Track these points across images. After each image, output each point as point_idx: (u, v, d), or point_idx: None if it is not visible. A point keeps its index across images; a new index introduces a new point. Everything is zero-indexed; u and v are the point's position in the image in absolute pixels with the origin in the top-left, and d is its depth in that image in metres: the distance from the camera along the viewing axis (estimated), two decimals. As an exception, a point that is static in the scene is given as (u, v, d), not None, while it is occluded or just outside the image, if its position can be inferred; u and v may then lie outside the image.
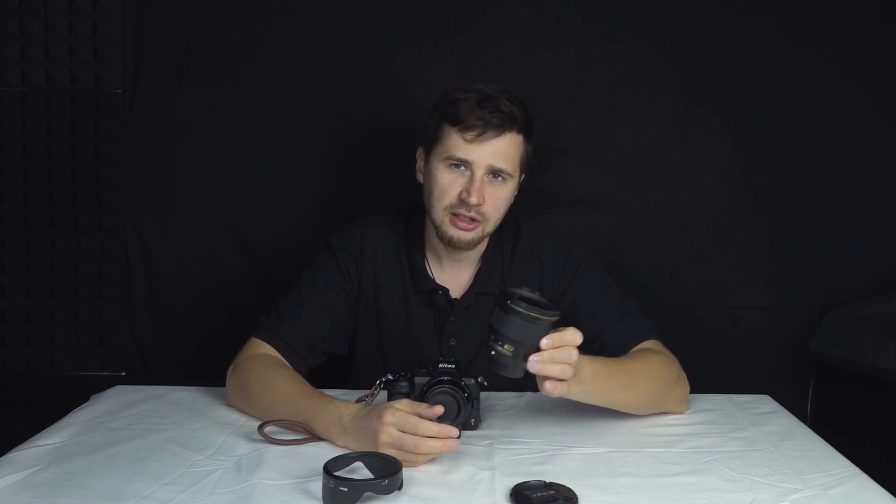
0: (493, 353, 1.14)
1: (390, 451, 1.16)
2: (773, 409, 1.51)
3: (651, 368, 1.42)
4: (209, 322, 2.07)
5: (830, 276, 2.07)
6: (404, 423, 1.17)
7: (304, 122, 2.03)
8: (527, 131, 1.48)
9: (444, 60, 2.01)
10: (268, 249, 2.06)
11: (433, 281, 1.55)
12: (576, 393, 1.26)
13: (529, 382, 1.58)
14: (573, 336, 1.16)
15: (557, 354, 1.15)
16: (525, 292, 1.14)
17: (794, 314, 2.07)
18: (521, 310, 1.11)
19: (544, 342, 1.13)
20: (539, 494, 1.08)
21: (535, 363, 1.14)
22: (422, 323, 1.57)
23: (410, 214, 1.59)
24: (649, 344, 1.50)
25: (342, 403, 1.28)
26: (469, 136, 1.42)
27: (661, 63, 2.03)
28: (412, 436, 1.16)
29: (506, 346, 1.13)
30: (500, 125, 1.42)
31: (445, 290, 1.55)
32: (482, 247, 1.55)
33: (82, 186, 2.05)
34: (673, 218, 2.06)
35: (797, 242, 2.07)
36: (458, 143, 1.43)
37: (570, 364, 1.17)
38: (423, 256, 1.56)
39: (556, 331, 1.15)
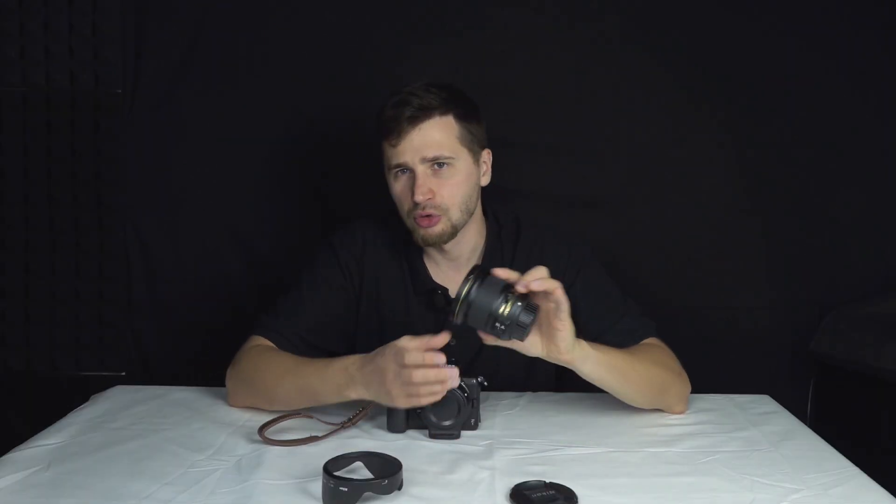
0: (499, 332, 1.21)
1: (399, 389, 1.23)
2: (774, 409, 1.52)
3: (653, 356, 1.44)
4: (209, 322, 2.06)
5: (831, 275, 2.07)
6: (407, 354, 1.24)
7: (306, 121, 2.03)
8: (457, 109, 1.46)
9: (439, 59, 2.00)
10: (268, 249, 2.06)
11: (432, 281, 1.56)
12: (579, 357, 1.30)
13: (529, 382, 1.58)
14: (537, 270, 1.22)
15: (534, 273, 1.22)
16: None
17: (795, 314, 2.07)
18: (469, 280, 1.20)
19: (502, 275, 1.21)
20: (539, 494, 1.08)
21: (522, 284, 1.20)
22: (423, 324, 1.56)
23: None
24: (650, 341, 1.51)
25: (345, 357, 1.32)
26: (393, 140, 1.43)
27: (661, 60, 2.02)
28: (416, 369, 1.23)
29: (498, 325, 1.20)
30: (413, 117, 1.42)
31: (445, 290, 1.55)
32: (475, 242, 1.56)
33: (82, 186, 2.04)
34: (672, 217, 2.06)
35: (798, 242, 2.07)
36: (389, 152, 1.45)
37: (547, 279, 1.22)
38: (422, 257, 1.57)
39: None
